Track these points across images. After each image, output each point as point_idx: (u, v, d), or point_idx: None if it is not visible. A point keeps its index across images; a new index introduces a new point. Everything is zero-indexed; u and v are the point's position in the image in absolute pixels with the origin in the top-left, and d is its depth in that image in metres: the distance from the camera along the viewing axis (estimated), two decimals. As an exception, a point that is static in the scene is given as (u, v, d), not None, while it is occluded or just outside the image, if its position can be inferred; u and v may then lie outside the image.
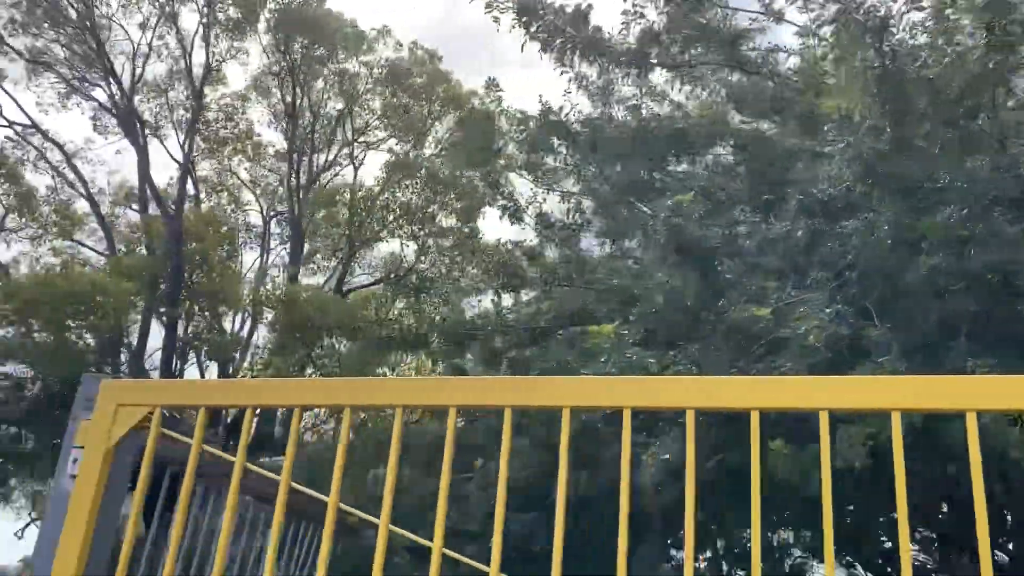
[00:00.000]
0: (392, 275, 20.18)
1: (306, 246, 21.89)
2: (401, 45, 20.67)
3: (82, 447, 3.86)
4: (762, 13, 9.75)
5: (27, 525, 19.95)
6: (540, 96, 13.69)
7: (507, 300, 14.37)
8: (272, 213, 25.66)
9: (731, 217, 7.94)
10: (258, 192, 25.31)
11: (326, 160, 22.65)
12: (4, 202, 19.63)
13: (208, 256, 18.57)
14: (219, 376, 18.70)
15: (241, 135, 23.79)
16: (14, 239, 20.33)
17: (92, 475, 3.81)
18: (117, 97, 22.08)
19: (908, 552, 2.00)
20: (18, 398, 14.07)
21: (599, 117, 11.10)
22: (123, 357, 17.56)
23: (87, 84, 22.58)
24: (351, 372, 13.74)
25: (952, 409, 2.20)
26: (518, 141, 13.19)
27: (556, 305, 8.46)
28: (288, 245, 21.88)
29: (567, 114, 11.39)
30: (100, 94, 22.56)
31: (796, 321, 6.59)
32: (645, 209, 9.00)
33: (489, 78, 14.29)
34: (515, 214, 15.29)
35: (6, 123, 21.13)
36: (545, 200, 14.82)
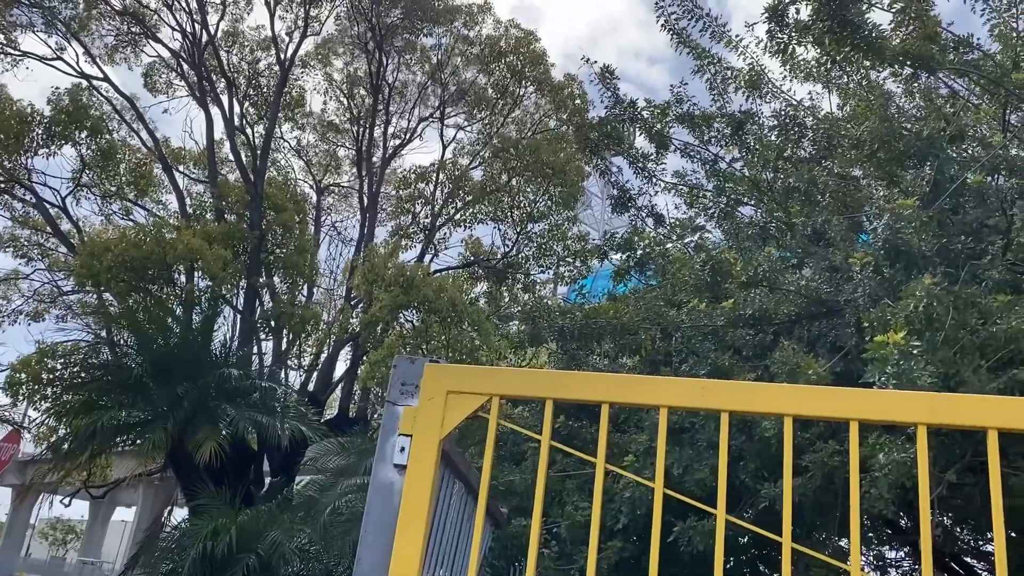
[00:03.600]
0: (477, 258, 19.83)
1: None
2: (500, 23, 20.28)
3: (409, 435, 3.58)
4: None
5: None
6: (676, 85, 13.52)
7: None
8: (331, 186, 25.32)
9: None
10: (321, 163, 25.03)
11: (406, 135, 22.22)
12: (85, 157, 19.22)
13: (290, 227, 18.29)
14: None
15: (295, 102, 23.39)
16: (84, 196, 19.98)
17: (426, 466, 3.53)
18: (184, 54, 21.61)
19: None
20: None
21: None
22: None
23: (145, 38, 21.82)
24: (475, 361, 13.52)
25: None
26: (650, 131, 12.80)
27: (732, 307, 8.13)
28: (359, 220, 21.46)
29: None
30: (159, 50, 22.12)
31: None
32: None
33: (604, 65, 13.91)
34: (622, 203, 15.01)
35: (77, 74, 20.53)
36: (657, 192, 14.55)
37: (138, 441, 13.71)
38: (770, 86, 11.97)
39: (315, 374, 19.01)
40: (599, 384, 3.66)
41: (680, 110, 12.86)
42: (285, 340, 18.12)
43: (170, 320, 14.25)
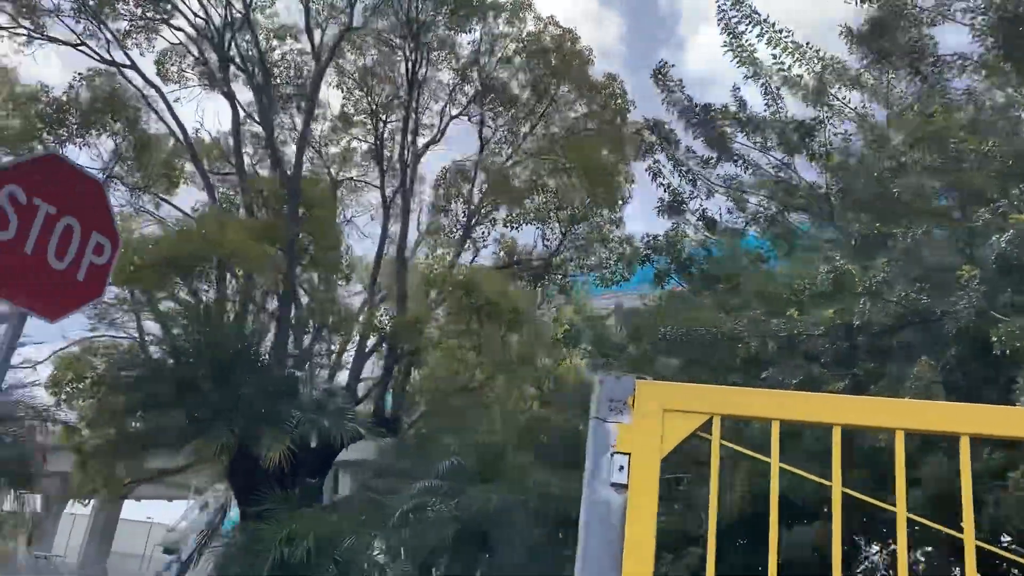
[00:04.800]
0: (518, 259, 19.60)
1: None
2: (541, 20, 20.05)
3: (627, 454, 3.49)
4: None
5: None
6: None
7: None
8: (348, 179, 24.90)
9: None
10: (340, 157, 24.67)
11: (436, 131, 21.97)
12: (120, 147, 18.71)
13: (326, 224, 17.99)
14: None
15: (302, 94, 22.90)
16: (114, 188, 19.46)
17: (648, 485, 3.42)
18: (208, 41, 21.16)
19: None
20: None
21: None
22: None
23: (164, 23, 21.05)
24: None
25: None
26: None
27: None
28: (391, 219, 21.04)
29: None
30: (179, 37, 21.63)
31: None
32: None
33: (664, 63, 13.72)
34: (674, 208, 14.88)
35: (107, 61, 19.60)
36: (710, 196, 14.40)
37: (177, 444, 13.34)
38: (836, 94, 11.93)
39: (346, 373, 18.76)
40: (831, 406, 3.56)
41: (743, 115, 12.79)
42: (319, 338, 17.85)
43: (223, 319, 13.97)
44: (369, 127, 23.33)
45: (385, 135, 22.65)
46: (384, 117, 22.81)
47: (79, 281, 5.69)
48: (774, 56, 12.14)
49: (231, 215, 17.97)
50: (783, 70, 12.18)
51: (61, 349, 17.08)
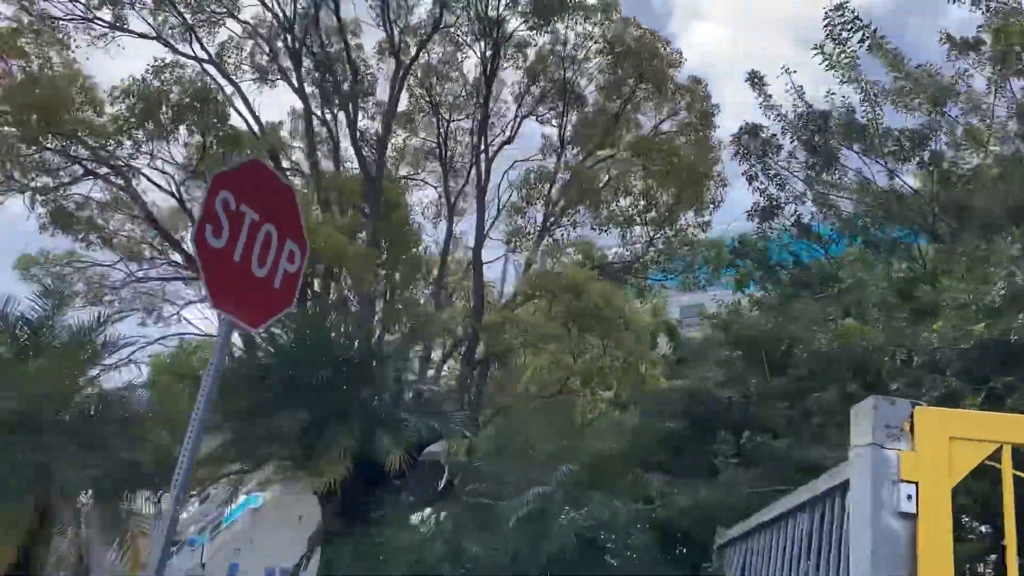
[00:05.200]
0: (601, 263, 19.45)
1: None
2: (625, 20, 19.71)
3: (914, 482, 3.44)
4: None
5: None
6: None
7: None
8: (406, 178, 24.75)
9: None
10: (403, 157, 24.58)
11: (512, 130, 21.64)
12: (208, 144, 18.43)
13: (403, 222, 17.97)
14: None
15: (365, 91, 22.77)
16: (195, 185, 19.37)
17: (941, 515, 3.35)
18: (275, 35, 21.12)
19: None
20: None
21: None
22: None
23: (232, 16, 21.11)
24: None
25: None
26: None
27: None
28: (460, 218, 20.97)
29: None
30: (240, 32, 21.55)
31: None
32: None
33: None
34: (767, 212, 14.76)
35: (175, 51, 19.28)
36: (801, 201, 14.27)
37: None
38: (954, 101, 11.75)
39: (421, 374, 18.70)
40: None
41: (855, 121, 12.66)
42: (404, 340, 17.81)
43: (327, 319, 13.90)
44: (432, 125, 23.27)
45: (447, 134, 22.56)
46: (448, 116, 22.75)
47: (275, 289, 5.62)
48: (892, 66, 11.96)
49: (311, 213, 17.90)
50: (899, 78, 12.03)
51: (138, 348, 17.32)
